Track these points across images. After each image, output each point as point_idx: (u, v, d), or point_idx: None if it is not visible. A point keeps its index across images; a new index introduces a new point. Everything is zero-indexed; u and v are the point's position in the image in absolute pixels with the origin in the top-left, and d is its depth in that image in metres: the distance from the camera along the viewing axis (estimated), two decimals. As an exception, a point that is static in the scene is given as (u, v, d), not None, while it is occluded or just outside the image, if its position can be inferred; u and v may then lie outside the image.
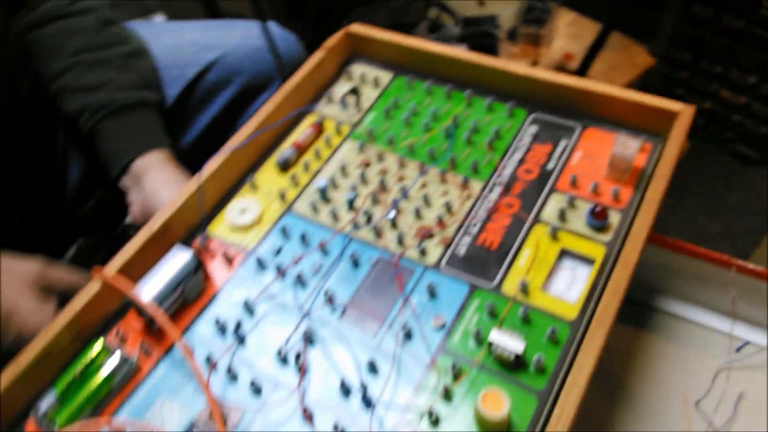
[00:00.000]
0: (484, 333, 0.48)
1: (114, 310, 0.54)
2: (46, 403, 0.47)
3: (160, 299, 0.51)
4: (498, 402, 0.43)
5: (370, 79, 0.72)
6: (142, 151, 0.69)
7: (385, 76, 0.72)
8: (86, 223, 0.85)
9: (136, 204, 0.69)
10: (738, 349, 0.58)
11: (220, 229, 0.59)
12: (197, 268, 0.53)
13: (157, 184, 0.67)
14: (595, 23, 1.23)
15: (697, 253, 0.59)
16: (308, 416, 0.46)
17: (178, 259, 0.53)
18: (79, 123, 0.72)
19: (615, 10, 1.12)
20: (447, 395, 0.46)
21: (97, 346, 0.50)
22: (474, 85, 0.68)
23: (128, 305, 0.53)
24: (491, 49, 1.29)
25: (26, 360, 0.48)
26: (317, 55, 0.70)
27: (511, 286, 0.52)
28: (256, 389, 0.48)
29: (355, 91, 0.70)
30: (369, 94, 0.70)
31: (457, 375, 0.47)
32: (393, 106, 0.68)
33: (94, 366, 0.49)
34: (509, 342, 0.46)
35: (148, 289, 0.51)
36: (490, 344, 0.47)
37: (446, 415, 0.45)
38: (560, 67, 1.25)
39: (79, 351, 0.51)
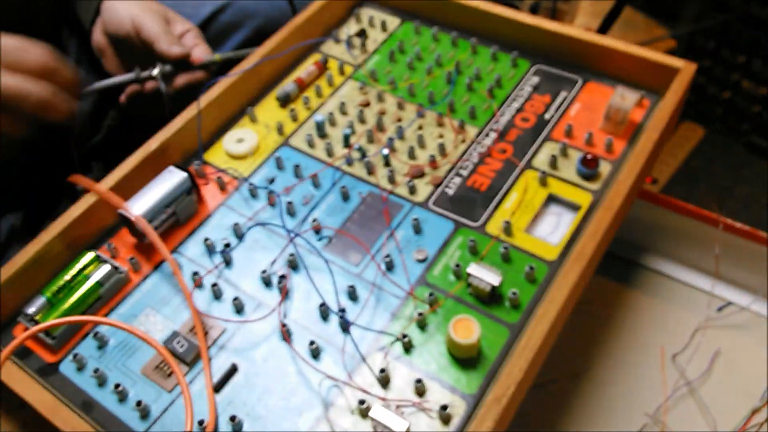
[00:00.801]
0: (464, 268, 0.49)
1: (107, 226, 0.55)
2: (35, 306, 0.48)
3: (151, 215, 0.52)
4: (469, 328, 0.44)
5: (377, 23, 0.72)
6: None
7: (393, 21, 0.72)
8: (96, 156, 0.86)
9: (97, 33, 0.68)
10: (719, 309, 0.58)
11: (216, 156, 0.61)
12: (190, 189, 0.55)
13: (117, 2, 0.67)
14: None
15: (685, 210, 0.59)
16: (286, 334, 0.47)
17: (171, 179, 0.54)
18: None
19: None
20: (421, 323, 0.47)
21: (88, 256, 0.51)
22: (480, 33, 0.68)
23: (122, 223, 0.55)
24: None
25: (16, 265, 0.50)
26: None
27: (495, 227, 0.52)
28: (239, 308, 0.49)
29: (362, 33, 0.70)
30: (375, 38, 0.71)
31: (432, 304, 0.48)
32: (398, 50, 0.68)
33: (83, 275, 0.50)
34: (486, 274, 0.47)
35: (140, 205, 0.52)
36: (468, 276, 0.48)
37: (419, 341, 0.46)
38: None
39: (69, 261, 0.52)
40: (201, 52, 0.68)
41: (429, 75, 0.65)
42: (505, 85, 0.64)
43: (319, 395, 0.44)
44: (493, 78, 0.64)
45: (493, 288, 0.47)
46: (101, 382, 0.46)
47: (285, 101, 0.64)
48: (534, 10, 1.28)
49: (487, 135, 0.60)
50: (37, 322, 0.48)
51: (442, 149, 0.58)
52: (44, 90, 0.52)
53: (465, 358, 0.45)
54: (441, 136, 0.60)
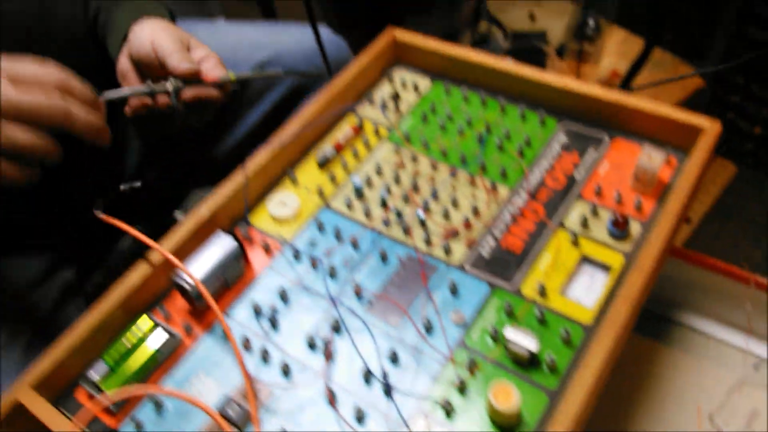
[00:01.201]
0: (501, 331, 0.51)
1: (160, 290, 0.59)
2: (97, 372, 0.52)
3: (206, 280, 0.55)
4: (508, 394, 0.46)
5: (410, 84, 0.75)
6: (140, 17, 0.70)
7: (424, 82, 0.75)
8: (140, 210, 0.90)
9: (122, 58, 0.70)
10: (754, 366, 0.59)
11: (260, 219, 0.64)
12: (239, 254, 0.58)
13: (143, 29, 0.69)
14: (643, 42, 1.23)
15: (717, 268, 0.60)
16: (332, 399, 0.50)
17: (222, 245, 0.57)
18: (95, 22, 0.75)
19: (656, 24, 1.12)
20: (462, 388, 0.49)
21: (146, 321, 0.54)
22: (508, 93, 0.71)
23: (172, 287, 0.58)
24: (539, 65, 1.30)
25: (77, 333, 0.53)
26: (361, 59, 0.73)
27: (530, 288, 0.54)
28: (286, 371, 0.52)
29: (395, 96, 0.73)
30: (408, 99, 0.74)
31: (472, 369, 0.50)
32: (430, 111, 0.71)
33: (141, 340, 0.53)
34: (524, 339, 0.49)
35: (196, 269, 0.55)
36: (506, 341, 0.50)
37: (460, 406, 0.48)
38: (607, 85, 1.26)
39: (125, 325, 0.55)
40: (213, 69, 0.69)
41: (460, 135, 0.68)
42: (534, 144, 0.66)
43: (365, 459, 0.47)
44: (523, 138, 0.66)
45: (531, 353, 0.49)
46: (159, 448, 0.49)
47: (324, 164, 0.68)
48: (560, 53, 1.31)
49: (518, 195, 0.62)
50: (98, 387, 0.51)
51: (475, 210, 0.61)
52: (64, 103, 0.54)
53: (506, 425, 0.47)
54: (474, 197, 0.62)
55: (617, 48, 1.34)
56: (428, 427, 0.47)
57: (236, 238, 0.58)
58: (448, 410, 0.48)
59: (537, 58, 1.30)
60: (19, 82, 0.53)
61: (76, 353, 0.53)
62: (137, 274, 0.56)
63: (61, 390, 0.53)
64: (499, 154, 0.66)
